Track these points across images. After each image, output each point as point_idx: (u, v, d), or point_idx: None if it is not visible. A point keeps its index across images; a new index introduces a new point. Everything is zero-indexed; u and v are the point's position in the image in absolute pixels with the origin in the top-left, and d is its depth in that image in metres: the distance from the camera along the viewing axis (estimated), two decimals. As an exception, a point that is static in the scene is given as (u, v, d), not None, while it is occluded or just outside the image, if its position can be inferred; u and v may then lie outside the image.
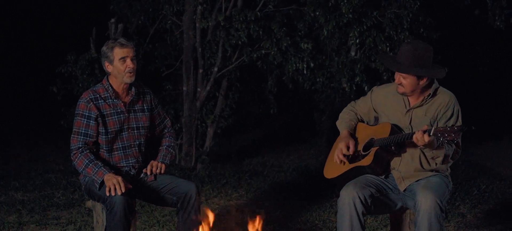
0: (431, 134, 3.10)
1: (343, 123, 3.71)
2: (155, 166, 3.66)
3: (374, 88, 3.73)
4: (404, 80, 3.38)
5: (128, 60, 3.53)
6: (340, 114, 3.79)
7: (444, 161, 3.39)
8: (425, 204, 3.22)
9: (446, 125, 3.12)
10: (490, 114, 9.97)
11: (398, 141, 3.34)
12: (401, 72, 3.36)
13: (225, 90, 6.91)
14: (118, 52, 3.53)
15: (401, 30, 6.16)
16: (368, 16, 6.23)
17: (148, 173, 3.63)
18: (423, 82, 3.38)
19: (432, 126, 3.36)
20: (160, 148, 3.81)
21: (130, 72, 3.54)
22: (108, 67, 3.58)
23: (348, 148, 3.54)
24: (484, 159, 7.42)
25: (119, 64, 3.53)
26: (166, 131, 3.88)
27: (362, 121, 3.74)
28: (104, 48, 3.59)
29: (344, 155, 3.54)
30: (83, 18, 9.90)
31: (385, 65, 3.58)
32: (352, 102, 3.83)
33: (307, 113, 9.03)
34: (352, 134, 3.66)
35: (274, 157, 7.53)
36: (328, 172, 3.71)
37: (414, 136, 3.20)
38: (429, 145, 3.21)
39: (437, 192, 3.28)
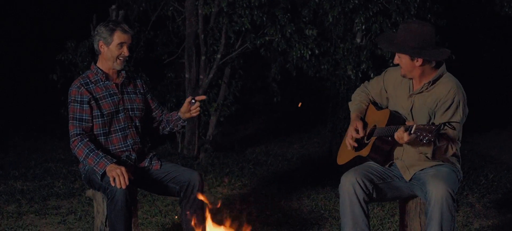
0: (412, 132, 2.96)
1: (353, 105, 3.63)
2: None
3: (388, 68, 3.61)
4: (399, 60, 3.30)
5: (125, 48, 3.49)
6: (353, 95, 3.71)
7: (434, 156, 3.22)
8: (436, 194, 3.11)
9: (427, 123, 3.00)
10: (494, 103, 9.86)
11: (390, 134, 3.21)
12: (394, 51, 3.29)
13: (228, 78, 6.81)
14: (119, 37, 3.47)
15: (408, 16, 6.03)
16: (374, 2, 6.10)
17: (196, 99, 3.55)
18: (418, 63, 3.25)
19: (430, 117, 3.27)
20: (171, 113, 3.73)
21: (122, 60, 3.51)
22: (102, 47, 3.51)
23: (357, 131, 3.45)
24: (488, 148, 7.33)
25: (115, 49, 3.48)
26: (165, 112, 3.81)
27: (375, 103, 3.63)
28: (102, 27, 3.51)
29: (354, 139, 3.45)
30: (83, 4, 9.78)
31: (379, 44, 3.49)
32: (366, 82, 3.73)
33: (311, 102, 8.94)
34: (362, 118, 3.57)
35: (278, 146, 7.44)
36: (339, 158, 3.67)
37: (395, 134, 3.08)
38: (413, 143, 3.09)
39: (448, 182, 3.18)
